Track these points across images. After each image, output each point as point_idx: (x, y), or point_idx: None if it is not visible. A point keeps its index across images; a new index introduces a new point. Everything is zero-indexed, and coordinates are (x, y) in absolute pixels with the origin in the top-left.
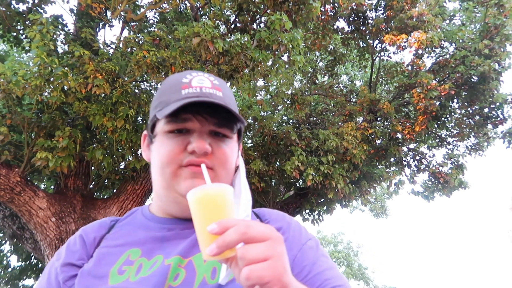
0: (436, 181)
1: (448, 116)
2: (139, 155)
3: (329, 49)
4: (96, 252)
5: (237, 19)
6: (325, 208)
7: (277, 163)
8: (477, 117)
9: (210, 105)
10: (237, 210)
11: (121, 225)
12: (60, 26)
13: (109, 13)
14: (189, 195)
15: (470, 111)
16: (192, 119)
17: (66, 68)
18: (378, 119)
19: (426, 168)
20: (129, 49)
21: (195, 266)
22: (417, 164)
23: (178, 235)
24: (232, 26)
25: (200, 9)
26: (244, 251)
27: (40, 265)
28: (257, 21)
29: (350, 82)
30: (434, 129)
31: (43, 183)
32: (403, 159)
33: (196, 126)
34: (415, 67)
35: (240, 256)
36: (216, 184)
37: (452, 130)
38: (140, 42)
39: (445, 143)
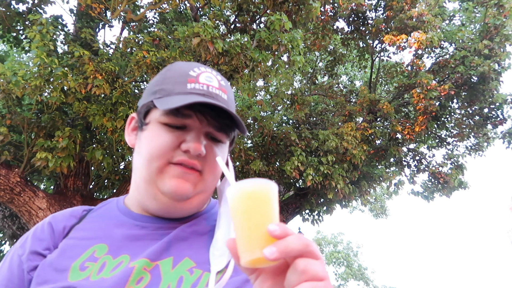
0: (436, 181)
1: (448, 116)
2: None
3: (329, 49)
4: (62, 242)
5: (237, 20)
6: (324, 208)
7: (277, 163)
8: (477, 117)
9: (214, 106)
10: (226, 216)
11: (93, 216)
12: (60, 27)
13: (109, 14)
14: (235, 189)
15: (470, 111)
16: (193, 116)
17: (66, 69)
18: (378, 119)
19: (426, 169)
20: (129, 50)
21: (161, 272)
22: (417, 164)
23: (149, 236)
24: (232, 26)
25: (200, 9)
26: (308, 265)
27: None
28: (257, 22)
29: (350, 82)
30: (434, 129)
31: (43, 184)
32: (403, 159)
33: (196, 125)
34: (415, 68)
35: (302, 269)
36: (264, 180)
37: (452, 130)
38: (140, 43)
39: (445, 143)
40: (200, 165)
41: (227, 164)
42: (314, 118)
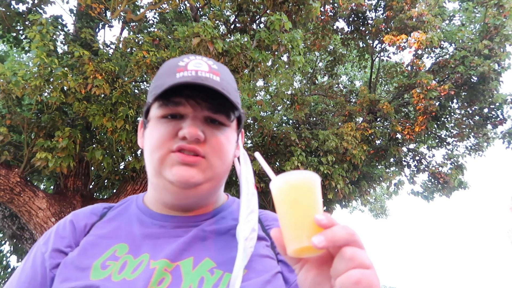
0: (435, 181)
1: (447, 116)
2: (139, 155)
3: (328, 49)
4: (83, 240)
5: (236, 20)
6: (325, 208)
7: (277, 163)
8: (477, 118)
9: (205, 89)
10: (242, 206)
11: (113, 214)
12: (59, 27)
13: (108, 14)
14: (281, 180)
15: (470, 112)
16: (184, 103)
17: (65, 69)
18: (378, 119)
19: (426, 169)
20: (128, 50)
21: (182, 272)
22: (416, 164)
23: (168, 234)
24: (232, 27)
25: (200, 9)
26: (354, 253)
27: None
28: (257, 22)
29: (349, 83)
30: (434, 129)
31: (42, 184)
32: (403, 159)
33: (189, 111)
34: (414, 68)
35: (349, 257)
36: (308, 172)
37: (452, 130)
38: (140, 43)
39: (444, 143)
40: (203, 151)
41: (238, 148)
42: (314, 118)
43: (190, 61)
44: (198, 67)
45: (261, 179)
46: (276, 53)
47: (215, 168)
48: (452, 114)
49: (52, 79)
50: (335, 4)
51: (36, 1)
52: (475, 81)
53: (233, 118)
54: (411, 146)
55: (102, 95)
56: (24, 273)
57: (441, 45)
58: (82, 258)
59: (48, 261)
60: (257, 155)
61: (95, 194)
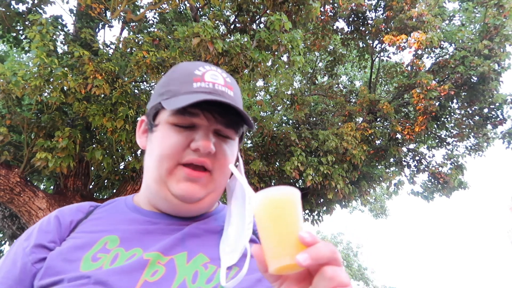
0: (435, 181)
1: (447, 116)
2: (139, 155)
3: (328, 49)
4: (70, 236)
5: (236, 20)
6: (324, 208)
7: (277, 163)
8: (477, 118)
9: (221, 103)
10: (244, 214)
11: (101, 212)
12: (59, 27)
13: (108, 14)
14: (261, 197)
15: (470, 112)
16: (200, 115)
17: (65, 69)
18: (378, 119)
19: (426, 169)
20: (128, 50)
21: (176, 265)
22: (416, 164)
23: (161, 230)
24: (232, 27)
25: (200, 9)
26: (335, 272)
27: None
28: (257, 22)
29: (349, 83)
30: (434, 129)
31: (42, 184)
32: (403, 159)
33: (204, 123)
34: (414, 68)
35: (330, 276)
36: (288, 187)
37: (452, 130)
38: (140, 43)
39: (444, 143)
40: (211, 164)
41: (237, 160)
42: (314, 118)
43: (206, 71)
44: (215, 79)
45: (261, 179)
46: (276, 53)
47: (217, 182)
48: (452, 114)
49: (52, 79)
50: (335, 4)
51: (36, 1)
52: (475, 81)
53: (240, 132)
54: (411, 146)
55: (102, 95)
56: (3, 269)
57: (441, 45)
58: (71, 251)
59: (30, 255)
60: (232, 167)
61: (95, 194)
